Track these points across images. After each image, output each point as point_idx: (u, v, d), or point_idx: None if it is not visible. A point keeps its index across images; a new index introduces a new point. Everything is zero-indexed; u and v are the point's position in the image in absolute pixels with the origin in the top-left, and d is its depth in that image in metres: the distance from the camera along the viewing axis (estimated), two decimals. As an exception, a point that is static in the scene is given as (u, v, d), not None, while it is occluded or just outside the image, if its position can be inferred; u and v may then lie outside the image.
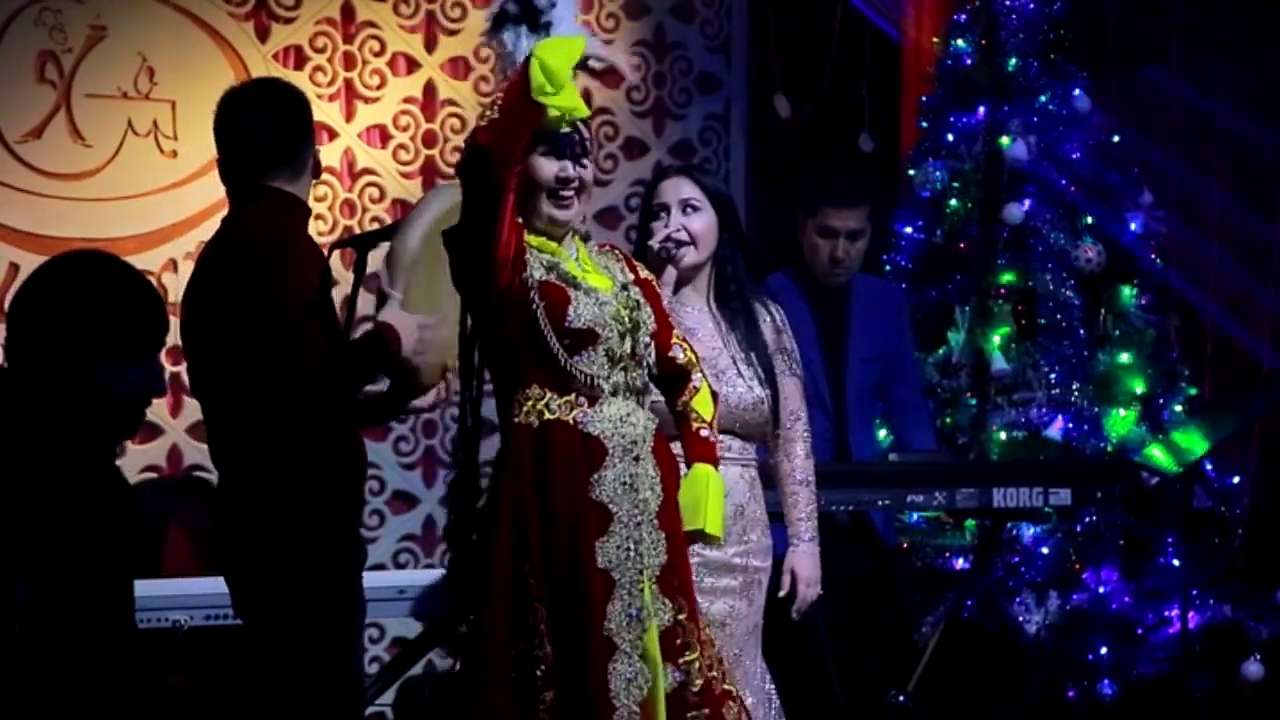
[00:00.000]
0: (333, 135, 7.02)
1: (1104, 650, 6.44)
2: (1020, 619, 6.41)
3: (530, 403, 4.13)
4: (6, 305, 6.28)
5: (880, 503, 5.66)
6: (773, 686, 4.73)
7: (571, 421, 4.11)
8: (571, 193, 4.18)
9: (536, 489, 4.09)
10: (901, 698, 5.78)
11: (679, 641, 4.12)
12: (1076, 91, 6.83)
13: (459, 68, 7.19)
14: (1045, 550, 6.47)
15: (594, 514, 4.08)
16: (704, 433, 4.32)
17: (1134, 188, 6.84)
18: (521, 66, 4.04)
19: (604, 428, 4.12)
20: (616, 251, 4.35)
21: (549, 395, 4.12)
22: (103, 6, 6.70)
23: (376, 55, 7.09)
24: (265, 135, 4.58)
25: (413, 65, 7.15)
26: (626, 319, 4.18)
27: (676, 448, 4.31)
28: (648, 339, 4.22)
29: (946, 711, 6.16)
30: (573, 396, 4.12)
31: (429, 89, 7.15)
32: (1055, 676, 6.45)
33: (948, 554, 6.48)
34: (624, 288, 4.23)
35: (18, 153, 6.60)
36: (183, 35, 6.80)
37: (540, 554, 4.06)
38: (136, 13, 6.74)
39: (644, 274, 4.36)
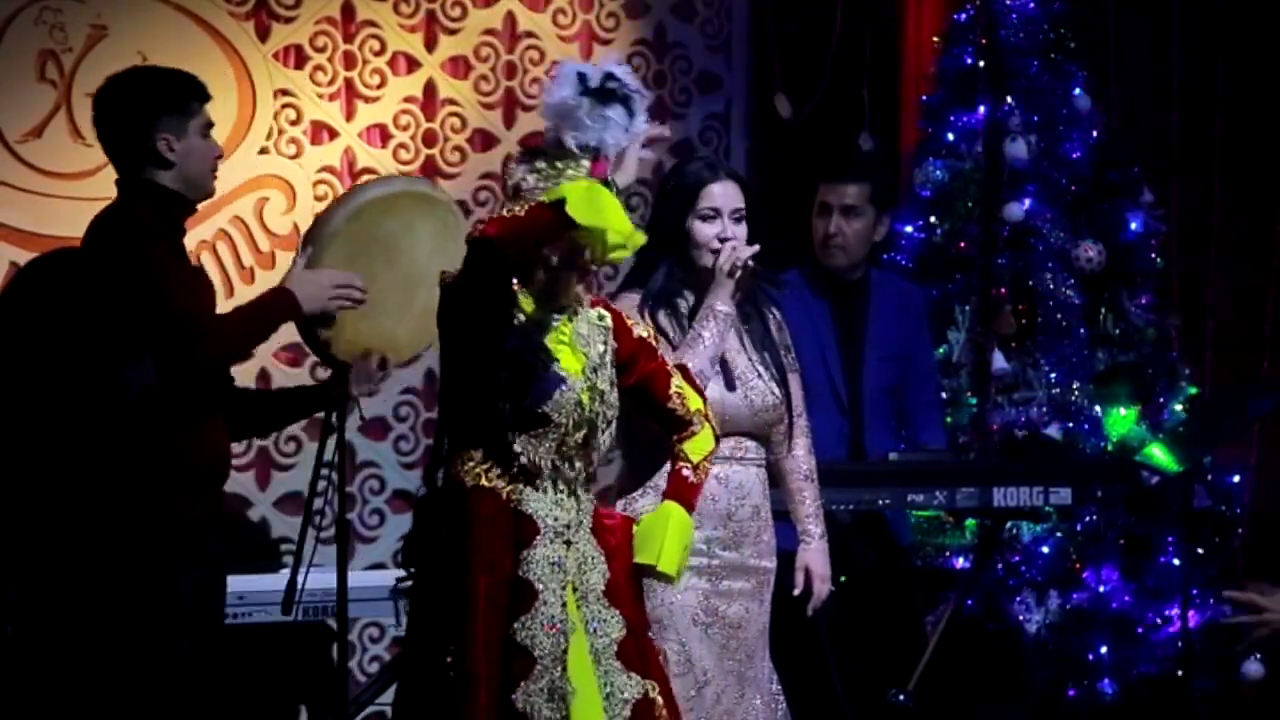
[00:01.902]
0: (333, 135, 7.01)
1: (1104, 650, 6.44)
2: (1020, 618, 6.42)
3: (470, 464, 4.09)
4: (7, 304, 6.28)
5: (880, 502, 5.66)
6: (779, 688, 4.74)
7: (504, 496, 4.07)
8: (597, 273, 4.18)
9: (464, 551, 4.05)
10: (901, 697, 5.78)
11: (657, 713, 4.09)
12: (1076, 91, 6.83)
13: (459, 67, 7.19)
14: (1045, 550, 6.48)
15: (520, 590, 4.03)
16: (685, 473, 4.27)
17: (1134, 187, 6.84)
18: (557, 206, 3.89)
19: (537, 508, 4.07)
20: (608, 317, 4.25)
21: (491, 464, 4.08)
22: (103, 6, 6.69)
23: (377, 55, 7.08)
24: None
25: (413, 65, 7.14)
26: (586, 409, 4.11)
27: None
28: (605, 428, 4.15)
29: (946, 711, 6.16)
30: (513, 471, 4.08)
31: (429, 88, 7.15)
32: (1055, 676, 6.45)
33: (948, 554, 6.48)
34: (595, 370, 4.15)
35: (18, 152, 6.59)
36: (183, 34, 6.79)
37: (456, 622, 4.03)
38: (137, 12, 6.73)
39: (639, 334, 4.29)
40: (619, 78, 4.08)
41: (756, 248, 4.66)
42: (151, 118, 4.60)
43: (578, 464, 4.12)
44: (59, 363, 4.51)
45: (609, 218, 3.86)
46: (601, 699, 4.04)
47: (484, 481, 4.07)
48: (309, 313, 4.58)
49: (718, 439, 4.36)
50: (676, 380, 4.31)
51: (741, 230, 4.68)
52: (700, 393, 4.36)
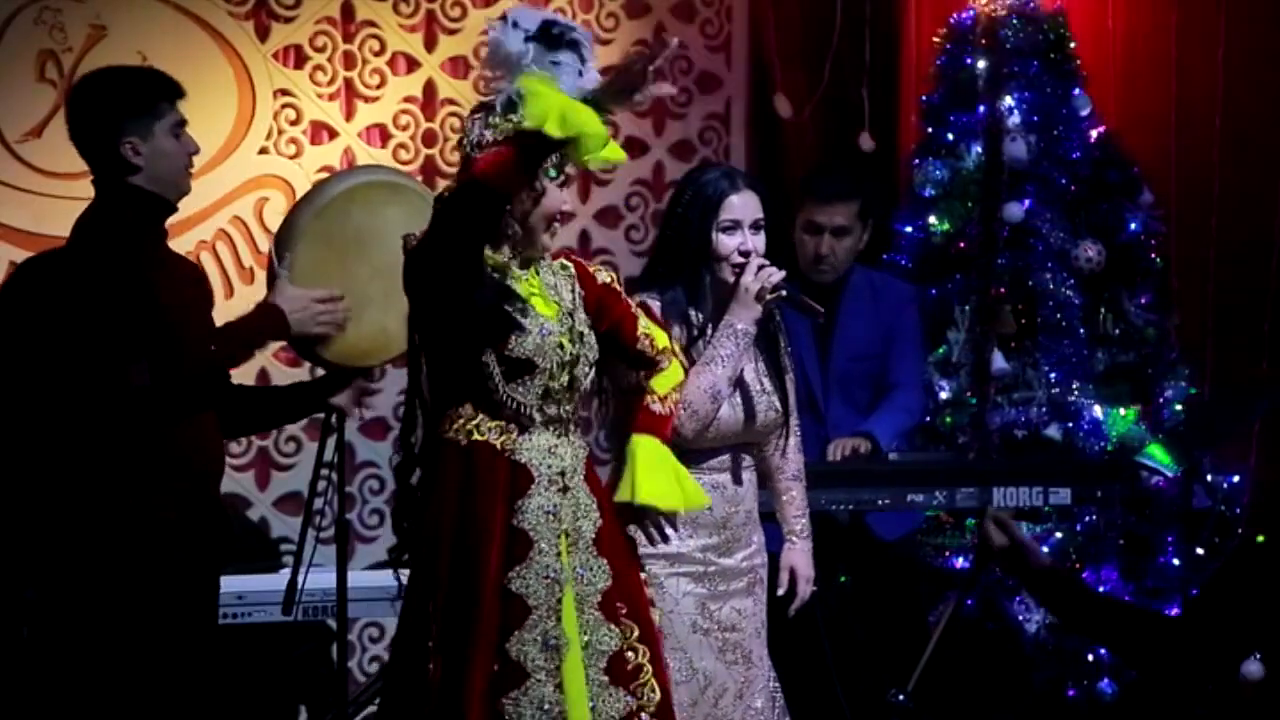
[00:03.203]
0: (333, 135, 7.01)
1: (1104, 649, 6.44)
2: (1020, 618, 6.42)
3: (461, 421, 4.12)
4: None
5: (880, 502, 5.66)
6: (778, 685, 4.74)
7: (499, 447, 4.10)
8: (561, 224, 4.18)
9: (457, 508, 4.08)
10: (901, 697, 5.78)
11: (629, 667, 4.11)
12: (1076, 91, 6.83)
13: (459, 67, 7.19)
14: (1045, 549, 6.47)
15: (514, 539, 4.06)
16: (653, 406, 4.31)
17: (1134, 187, 6.83)
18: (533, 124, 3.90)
19: (531, 456, 4.11)
20: (570, 266, 4.29)
21: (480, 417, 4.11)
22: (103, 6, 6.69)
23: (376, 55, 7.08)
24: None
25: (413, 65, 7.14)
26: (567, 351, 4.15)
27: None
28: (588, 370, 4.20)
29: (946, 711, 6.16)
30: (503, 422, 4.11)
31: (429, 88, 7.14)
32: (1055, 675, 6.45)
33: (948, 553, 6.48)
34: (569, 314, 4.19)
35: (18, 152, 6.59)
36: (183, 34, 6.79)
37: (448, 573, 4.04)
38: (136, 12, 6.73)
39: (603, 279, 4.31)
40: (562, 23, 4.04)
41: (784, 273, 4.63)
42: (116, 122, 4.56)
43: (565, 407, 4.16)
44: (50, 365, 4.50)
45: (586, 126, 3.86)
46: (580, 649, 4.07)
47: (477, 435, 4.10)
48: (296, 334, 4.59)
49: (686, 372, 4.39)
50: (643, 321, 4.36)
51: (760, 240, 4.66)
52: (665, 329, 4.40)
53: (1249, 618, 3.40)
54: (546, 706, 4.01)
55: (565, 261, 4.30)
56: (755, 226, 4.66)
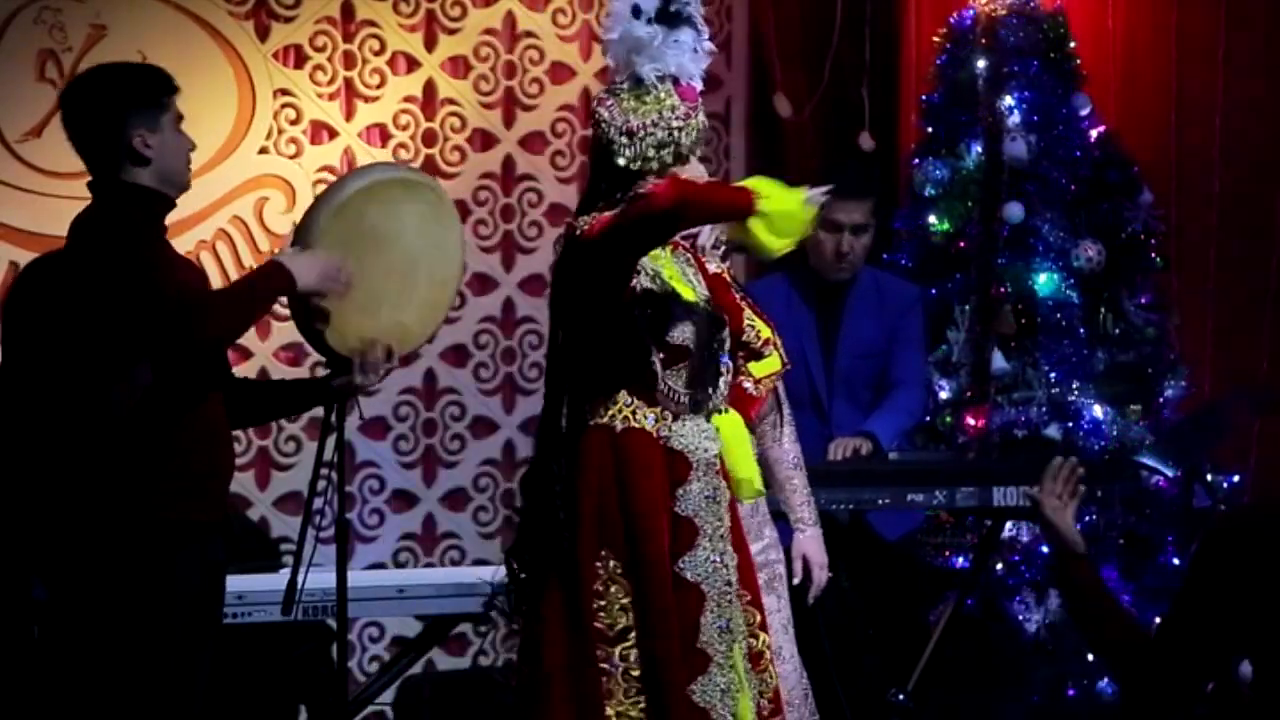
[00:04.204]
0: (333, 135, 7.02)
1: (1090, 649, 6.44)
2: (1020, 618, 6.42)
3: (616, 408, 4.11)
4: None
5: (880, 502, 5.66)
6: (807, 679, 4.73)
7: (655, 434, 4.10)
8: None
9: (618, 488, 4.06)
10: (901, 697, 5.78)
11: (753, 653, 4.12)
12: (1076, 91, 6.83)
13: (459, 67, 7.19)
14: (1045, 549, 6.47)
15: (680, 527, 4.06)
16: (746, 385, 4.33)
17: (1134, 187, 6.83)
18: (744, 195, 4.01)
19: (687, 442, 4.10)
20: (688, 254, 4.30)
21: (637, 404, 4.11)
22: (103, 5, 6.69)
23: (376, 54, 7.09)
24: None
25: (413, 64, 7.15)
26: (714, 335, 4.18)
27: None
28: (725, 355, 4.21)
29: (946, 711, 6.16)
30: (659, 410, 4.11)
31: (429, 88, 7.15)
32: (1055, 675, 6.45)
33: (948, 553, 6.48)
34: (706, 299, 4.21)
35: (18, 152, 6.59)
36: (182, 34, 6.79)
37: (626, 553, 4.03)
38: (136, 11, 6.73)
39: (714, 269, 4.34)
40: (679, 0, 4.13)
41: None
42: (123, 114, 4.51)
43: (711, 391, 4.16)
44: (59, 367, 4.49)
45: (784, 235, 4.01)
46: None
47: (634, 423, 4.10)
48: (303, 288, 4.52)
49: (785, 364, 4.42)
50: (748, 313, 4.38)
51: None
52: (769, 324, 4.43)
53: (1213, 641, 3.45)
54: (729, 689, 4.01)
55: (686, 251, 4.31)
56: None
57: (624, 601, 4.03)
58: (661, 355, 4.09)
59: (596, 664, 4.01)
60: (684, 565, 4.05)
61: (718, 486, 4.11)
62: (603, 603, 4.03)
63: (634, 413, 4.10)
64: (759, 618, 4.16)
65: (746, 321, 4.35)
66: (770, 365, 4.38)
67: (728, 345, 4.24)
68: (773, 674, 4.15)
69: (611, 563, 4.03)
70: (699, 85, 4.21)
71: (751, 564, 4.23)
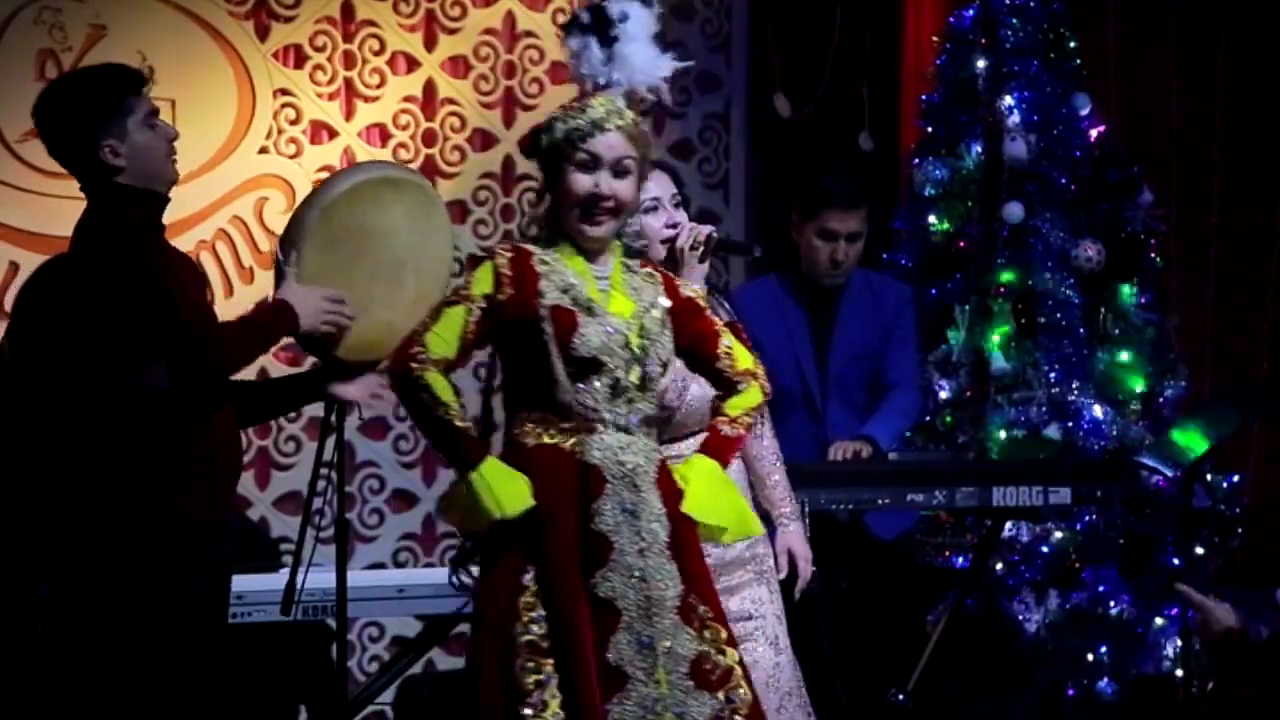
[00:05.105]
0: (333, 134, 7.02)
1: (1104, 649, 6.44)
2: (1020, 618, 6.41)
3: (530, 425, 4.08)
4: (7, 304, 6.29)
5: (880, 502, 5.66)
6: (800, 674, 4.73)
7: (569, 448, 4.05)
8: (605, 211, 4.12)
9: (536, 507, 4.04)
10: (901, 697, 5.78)
11: (718, 670, 4.05)
12: (1076, 91, 6.83)
13: (459, 67, 7.19)
14: (1045, 549, 6.48)
15: (593, 543, 4.01)
16: (722, 428, 4.24)
17: (1134, 187, 6.83)
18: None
19: (602, 457, 4.05)
20: (657, 274, 4.25)
21: (549, 419, 4.07)
22: (102, 5, 6.69)
23: (376, 54, 7.09)
24: None
25: (413, 64, 7.15)
26: (636, 348, 4.10)
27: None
28: (659, 369, 4.15)
29: (946, 711, 6.16)
30: (572, 424, 4.06)
31: (429, 88, 7.15)
32: (1055, 675, 6.45)
33: (947, 553, 6.48)
34: (647, 311, 4.14)
35: (18, 152, 6.59)
36: (183, 34, 6.79)
37: (540, 572, 4.01)
38: (136, 11, 6.74)
39: (687, 293, 4.26)
40: (609, 13, 4.13)
41: (711, 227, 4.66)
42: (88, 129, 4.51)
43: (637, 405, 4.11)
44: (68, 370, 4.50)
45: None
46: (661, 654, 4.01)
47: (545, 439, 4.07)
48: (304, 330, 4.57)
49: (766, 395, 4.32)
50: (726, 339, 4.28)
51: (682, 215, 4.69)
52: (750, 349, 4.34)
53: None
54: (649, 704, 3.97)
55: (652, 271, 4.26)
56: (676, 202, 4.70)
57: (544, 615, 4.01)
58: (570, 368, 4.04)
59: (525, 675, 3.99)
60: (596, 582, 4.00)
61: (636, 502, 4.05)
62: (531, 614, 4.00)
63: (545, 429, 4.07)
64: (724, 633, 4.08)
65: (722, 349, 4.25)
66: (749, 400, 4.27)
67: (663, 359, 4.15)
68: (747, 690, 4.08)
69: (530, 576, 4.01)
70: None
71: (707, 576, 4.16)
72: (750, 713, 4.07)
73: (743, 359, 4.28)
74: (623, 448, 4.07)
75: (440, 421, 4.05)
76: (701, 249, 4.62)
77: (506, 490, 4.01)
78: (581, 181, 4.11)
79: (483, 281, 4.09)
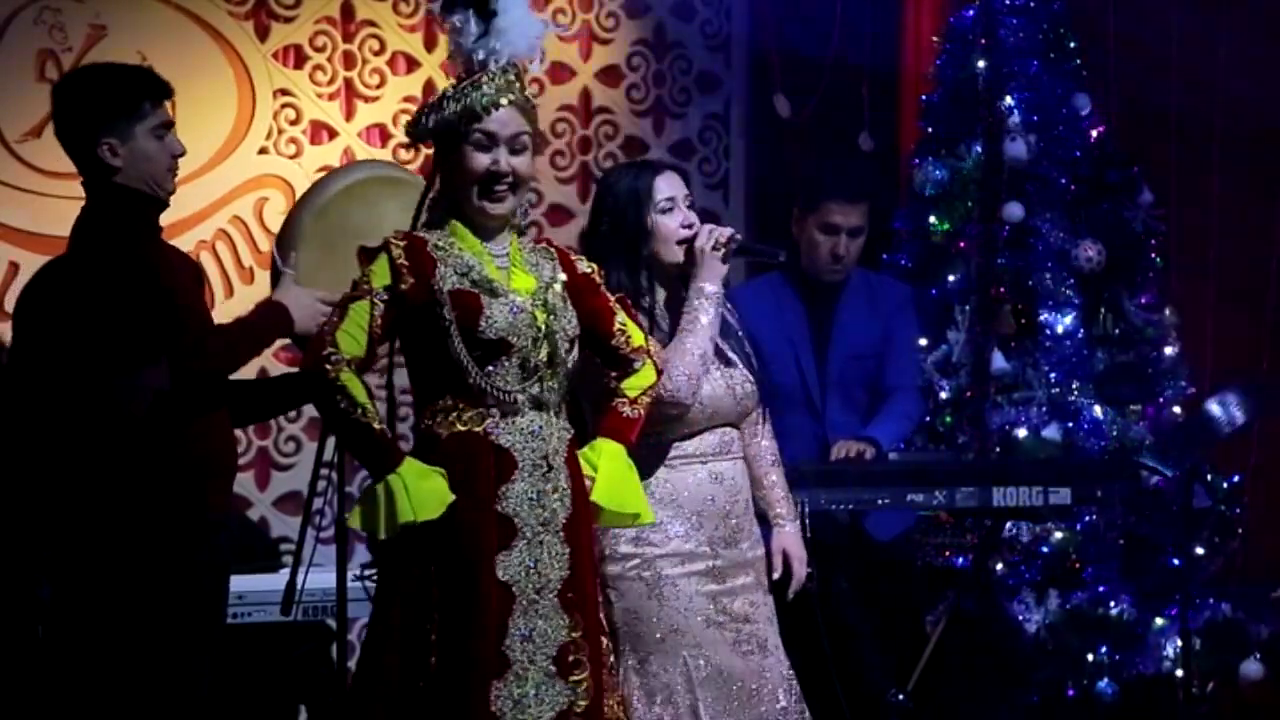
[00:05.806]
0: (333, 134, 7.02)
1: (1104, 649, 6.44)
2: (1020, 618, 6.41)
3: (441, 414, 4.08)
4: (8, 304, 6.29)
5: (880, 502, 5.66)
6: (792, 672, 4.73)
7: (482, 433, 4.06)
8: (505, 187, 4.13)
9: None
10: (901, 697, 5.78)
11: (570, 659, 4.09)
12: (1076, 91, 6.83)
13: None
14: (1045, 549, 6.48)
15: (498, 526, 4.03)
16: (623, 409, 4.26)
17: (1134, 187, 6.83)
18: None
19: (515, 440, 4.07)
20: (552, 249, 4.27)
21: (460, 406, 4.07)
22: (102, 5, 6.69)
23: (376, 54, 7.09)
24: None
25: (412, 64, 7.15)
26: (542, 325, 4.11)
27: None
28: (567, 345, 4.16)
29: (946, 711, 6.16)
30: (484, 409, 4.07)
31: (429, 88, 7.14)
32: (1055, 675, 6.45)
33: (947, 553, 6.48)
34: (548, 286, 4.15)
35: (18, 152, 6.59)
36: (182, 34, 6.79)
37: (441, 562, 4.02)
38: (136, 12, 6.74)
39: (583, 269, 4.29)
40: None
41: (731, 229, 4.67)
42: (94, 122, 4.50)
43: (548, 383, 4.11)
44: (67, 369, 4.50)
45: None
46: (538, 639, 4.05)
47: (459, 426, 4.07)
48: (300, 331, 4.58)
49: (659, 373, 4.35)
50: (620, 316, 4.32)
51: (694, 214, 4.69)
52: (641, 327, 4.36)
53: None
54: (520, 701, 4.01)
55: (548, 247, 4.28)
56: (689, 203, 4.71)
57: (433, 604, 4.02)
58: (477, 352, 4.04)
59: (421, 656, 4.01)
60: (498, 562, 4.02)
61: (544, 489, 4.08)
62: (413, 606, 4.02)
63: (459, 416, 4.07)
64: (581, 628, 4.10)
65: (617, 325, 4.28)
66: (644, 379, 4.30)
67: (570, 335, 4.16)
68: (588, 688, 4.09)
69: (432, 567, 4.02)
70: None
71: (593, 574, 4.19)
72: (586, 712, 4.10)
73: (636, 336, 4.31)
74: (536, 431, 4.09)
75: (357, 425, 4.02)
76: (724, 250, 4.63)
77: (423, 492, 4.00)
78: (479, 160, 4.11)
79: (380, 274, 4.09)
